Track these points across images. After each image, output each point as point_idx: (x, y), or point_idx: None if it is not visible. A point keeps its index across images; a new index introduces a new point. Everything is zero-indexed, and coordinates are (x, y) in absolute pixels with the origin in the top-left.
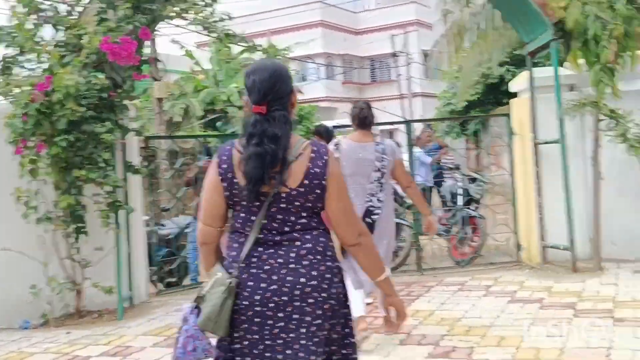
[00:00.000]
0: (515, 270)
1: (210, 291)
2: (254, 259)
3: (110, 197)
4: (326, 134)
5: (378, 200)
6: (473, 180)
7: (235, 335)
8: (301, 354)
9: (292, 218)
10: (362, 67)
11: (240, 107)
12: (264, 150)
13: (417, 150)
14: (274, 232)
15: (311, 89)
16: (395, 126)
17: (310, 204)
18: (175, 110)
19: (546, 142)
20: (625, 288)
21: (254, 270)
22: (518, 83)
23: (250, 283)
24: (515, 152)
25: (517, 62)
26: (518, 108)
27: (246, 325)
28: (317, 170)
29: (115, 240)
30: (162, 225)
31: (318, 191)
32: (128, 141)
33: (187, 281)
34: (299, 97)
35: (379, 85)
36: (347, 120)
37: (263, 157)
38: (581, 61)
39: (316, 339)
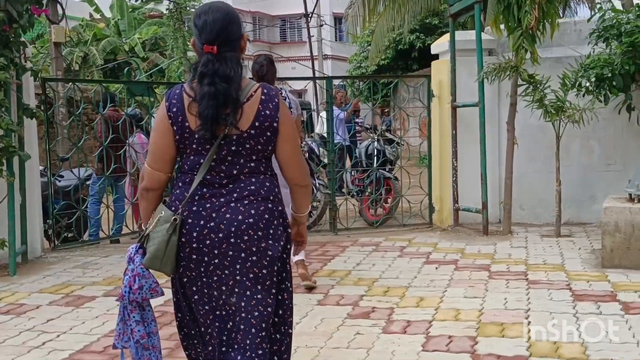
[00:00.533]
0: (428, 232)
1: (155, 230)
2: (197, 198)
3: (3, 141)
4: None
5: None
6: (389, 142)
7: (180, 271)
8: (237, 290)
9: (242, 161)
10: (273, 25)
11: (144, 59)
12: (216, 90)
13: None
14: (222, 174)
15: None
16: (305, 87)
17: (260, 147)
18: (73, 58)
19: (465, 106)
20: (535, 251)
21: (195, 209)
22: (439, 45)
23: (190, 221)
24: (433, 115)
25: (427, 30)
26: (438, 70)
27: (185, 262)
28: (268, 112)
29: (8, 189)
30: (60, 176)
31: (269, 134)
32: (24, 82)
33: (86, 237)
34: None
35: (289, 45)
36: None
37: (216, 96)
38: (501, 26)
39: (252, 275)
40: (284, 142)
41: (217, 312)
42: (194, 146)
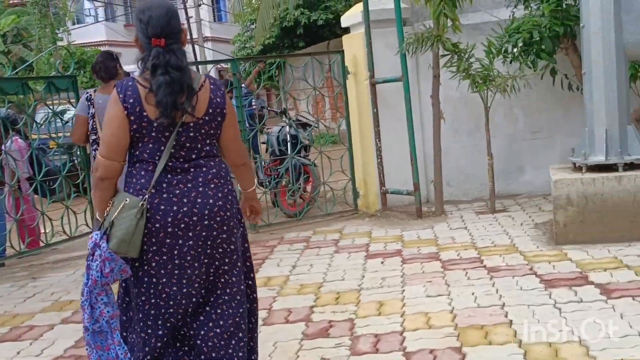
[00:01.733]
0: (356, 220)
1: (120, 215)
2: (165, 185)
3: None
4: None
5: None
6: (302, 125)
7: (144, 257)
8: (210, 262)
9: (199, 146)
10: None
11: (5, 52)
12: (171, 79)
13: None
14: (181, 159)
15: (90, 32)
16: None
17: (212, 131)
18: None
19: (386, 81)
20: (477, 232)
21: (165, 195)
22: (350, 17)
23: (163, 207)
24: (349, 93)
25: (312, 5)
26: (351, 45)
27: (155, 248)
28: (219, 100)
29: None
30: None
31: (219, 119)
32: None
33: None
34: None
35: None
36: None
37: (172, 84)
38: None
39: (221, 250)
40: (229, 127)
41: (186, 290)
42: (153, 134)
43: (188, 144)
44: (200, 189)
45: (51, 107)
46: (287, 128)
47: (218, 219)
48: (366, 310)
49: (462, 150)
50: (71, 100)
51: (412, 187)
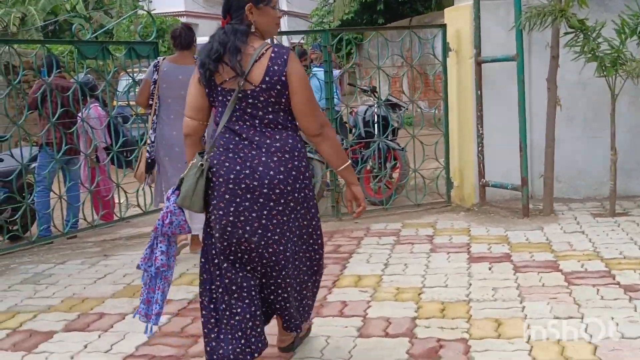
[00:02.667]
0: (450, 214)
1: (187, 174)
2: (232, 146)
3: None
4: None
5: None
6: (392, 106)
7: (209, 209)
8: (260, 231)
9: (260, 113)
10: None
11: (86, 18)
12: (211, 46)
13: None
14: (246, 125)
15: (170, 2)
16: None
17: (273, 100)
18: (10, 20)
19: (495, 60)
20: (598, 238)
21: (231, 155)
22: None
23: (227, 164)
24: (450, 73)
25: None
26: (455, 18)
27: (215, 201)
28: (277, 67)
29: None
30: None
31: (278, 87)
32: None
33: (35, 234)
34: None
35: None
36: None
37: (210, 50)
38: None
39: (275, 221)
40: (293, 95)
41: (234, 248)
42: (220, 98)
43: (249, 110)
44: (264, 158)
45: (131, 74)
46: (375, 108)
47: (277, 190)
48: (481, 330)
49: (576, 142)
50: None
51: (515, 181)
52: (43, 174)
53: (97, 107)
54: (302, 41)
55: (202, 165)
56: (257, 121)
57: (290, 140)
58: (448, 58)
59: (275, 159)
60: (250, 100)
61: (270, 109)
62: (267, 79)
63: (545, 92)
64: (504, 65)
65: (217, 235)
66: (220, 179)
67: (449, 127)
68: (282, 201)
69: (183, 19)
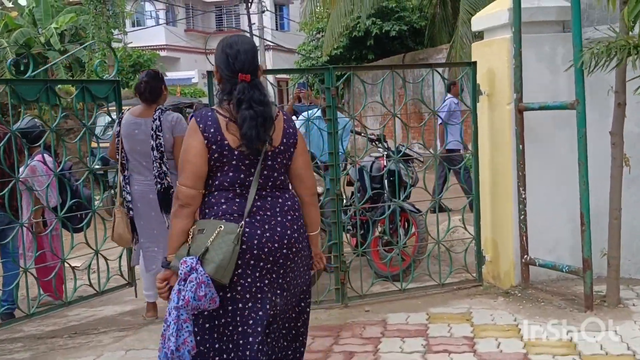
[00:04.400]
0: (484, 298)
1: (217, 241)
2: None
3: None
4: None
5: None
6: (404, 157)
7: (234, 280)
8: (279, 291)
9: (275, 174)
10: (206, 11)
11: (60, 51)
12: (255, 113)
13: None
14: (259, 188)
15: (150, 35)
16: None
17: (285, 161)
18: None
19: (545, 108)
20: None
21: (248, 220)
22: (490, 16)
23: (248, 230)
24: (480, 121)
25: (384, 15)
26: (488, 55)
27: (241, 270)
28: (291, 130)
29: None
30: None
31: (292, 149)
32: None
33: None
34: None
35: (225, 34)
36: (189, 73)
37: (256, 118)
38: None
39: (288, 279)
40: (298, 156)
41: (266, 313)
42: (234, 162)
43: (266, 172)
44: (279, 218)
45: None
46: (384, 160)
47: (294, 249)
48: None
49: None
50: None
51: (565, 256)
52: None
53: (41, 156)
54: (287, 76)
55: (239, 231)
56: (270, 182)
57: (295, 199)
58: (478, 103)
59: (289, 217)
60: (269, 162)
61: (282, 170)
62: (284, 140)
63: (599, 146)
64: (550, 114)
65: (247, 305)
66: (244, 246)
67: (479, 187)
68: (297, 259)
69: (163, 53)
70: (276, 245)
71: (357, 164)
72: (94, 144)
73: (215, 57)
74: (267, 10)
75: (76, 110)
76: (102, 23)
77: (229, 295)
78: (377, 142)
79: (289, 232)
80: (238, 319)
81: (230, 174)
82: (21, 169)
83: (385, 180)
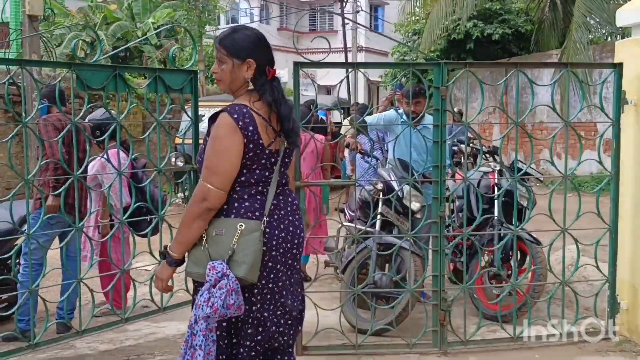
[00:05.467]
0: (618, 357)
1: (242, 241)
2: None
3: None
4: None
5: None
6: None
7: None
8: (284, 292)
9: (286, 172)
10: (301, 10)
11: (157, 46)
12: (289, 109)
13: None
14: (275, 185)
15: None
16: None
17: (291, 157)
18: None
19: None
20: None
21: (267, 219)
22: (637, 10)
23: (268, 230)
24: (625, 135)
25: (487, 18)
26: (636, 55)
27: (260, 271)
28: (297, 125)
29: None
30: None
31: (294, 147)
32: None
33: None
34: None
35: (318, 34)
36: (280, 72)
37: (291, 113)
38: None
39: (292, 280)
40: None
41: (277, 315)
42: (263, 161)
43: (282, 170)
44: (290, 217)
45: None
46: (494, 177)
47: (300, 249)
48: None
49: None
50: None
51: None
52: (35, 242)
53: (114, 152)
54: (379, 79)
55: (262, 228)
56: (283, 180)
57: (296, 197)
58: (623, 114)
59: (297, 217)
60: (285, 160)
61: (288, 167)
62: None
63: None
64: None
65: (265, 305)
66: (264, 247)
67: (618, 217)
68: (299, 257)
69: None
70: (289, 245)
71: (463, 180)
72: (178, 140)
73: (250, 50)
74: (362, 10)
75: (146, 101)
76: (194, 17)
77: (254, 292)
78: (487, 155)
79: (298, 231)
80: (250, 320)
81: (258, 171)
82: (90, 165)
83: (496, 202)
